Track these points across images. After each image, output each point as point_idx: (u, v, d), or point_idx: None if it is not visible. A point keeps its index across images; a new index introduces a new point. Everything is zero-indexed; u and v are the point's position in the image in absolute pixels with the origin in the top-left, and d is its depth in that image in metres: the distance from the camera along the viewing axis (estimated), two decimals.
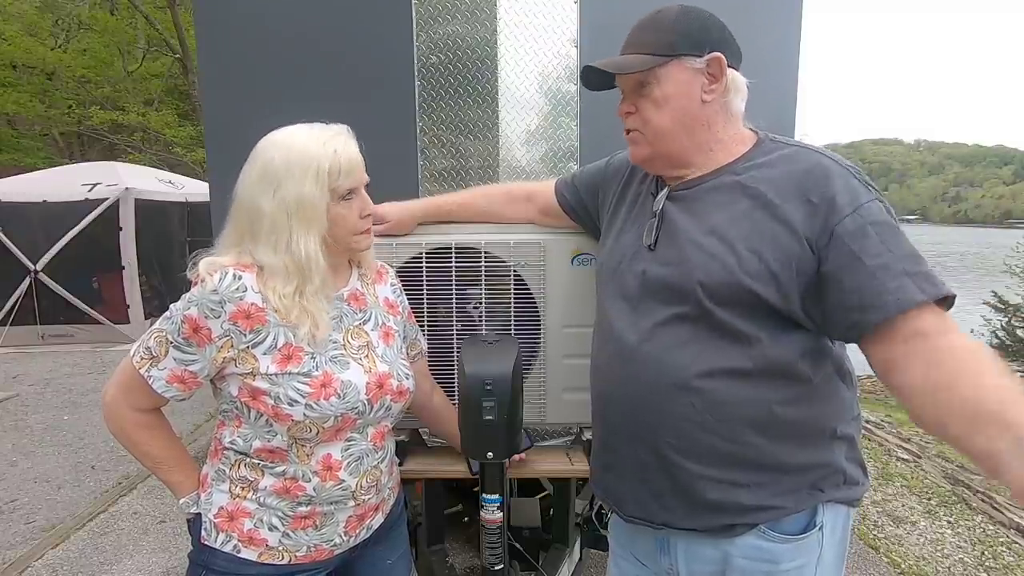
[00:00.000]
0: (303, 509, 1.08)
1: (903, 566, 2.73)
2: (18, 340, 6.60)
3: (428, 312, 1.48)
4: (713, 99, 1.01)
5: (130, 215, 6.76)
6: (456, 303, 1.49)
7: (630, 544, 1.18)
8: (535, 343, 1.49)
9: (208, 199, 2.13)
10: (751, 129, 1.07)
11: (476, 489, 1.39)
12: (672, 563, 1.08)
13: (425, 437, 1.70)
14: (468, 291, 1.49)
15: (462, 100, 1.79)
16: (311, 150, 1.02)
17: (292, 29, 1.90)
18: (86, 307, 6.75)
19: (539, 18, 1.77)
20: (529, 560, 1.79)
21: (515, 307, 1.48)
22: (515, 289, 1.48)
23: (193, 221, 7.66)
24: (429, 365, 1.42)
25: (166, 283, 7.23)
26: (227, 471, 1.10)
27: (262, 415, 1.03)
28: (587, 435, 1.48)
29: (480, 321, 1.50)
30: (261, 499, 1.08)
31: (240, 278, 1.01)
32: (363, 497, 1.13)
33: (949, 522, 3.12)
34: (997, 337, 9.93)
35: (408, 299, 1.33)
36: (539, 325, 1.49)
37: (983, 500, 3.30)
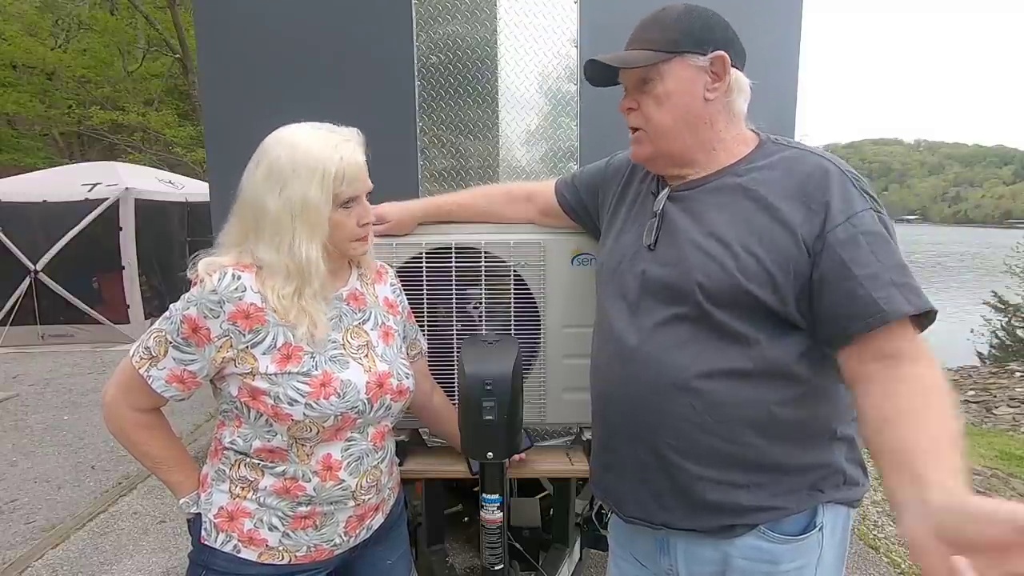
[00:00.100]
0: (303, 509, 1.08)
1: (903, 566, 2.73)
2: (18, 340, 6.60)
3: (428, 312, 1.48)
4: (716, 98, 1.01)
5: (130, 215, 6.75)
6: (456, 303, 1.49)
7: (630, 544, 1.18)
8: (535, 343, 1.49)
9: (208, 199, 2.13)
10: (753, 130, 1.07)
11: (476, 489, 1.39)
12: (672, 564, 1.08)
13: (425, 437, 1.70)
14: (468, 291, 1.49)
15: (462, 100, 1.79)
16: (318, 153, 1.02)
17: (292, 29, 1.90)
18: (86, 307, 6.75)
19: (539, 18, 1.77)
20: (529, 560, 1.79)
21: (515, 307, 1.48)
22: (515, 289, 1.48)
23: (193, 221, 7.66)
24: (429, 365, 1.42)
25: (166, 283, 7.23)
26: (227, 471, 1.10)
27: (262, 415, 1.03)
28: (587, 435, 1.48)
29: (480, 321, 1.50)
30: (261, 499, 1.08)
31: (239, 278, 1.01)
32: (363, 497, 1.13)
33: None
34: (997, 337, 9.93)
35: (408, 299, 1.33)
36: (539, 325, 1.49)
37: None
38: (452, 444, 1.41)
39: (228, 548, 1.08)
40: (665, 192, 1.08)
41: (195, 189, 7.90)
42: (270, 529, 1.08)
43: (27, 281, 6.59)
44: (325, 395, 1.03)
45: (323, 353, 1.06)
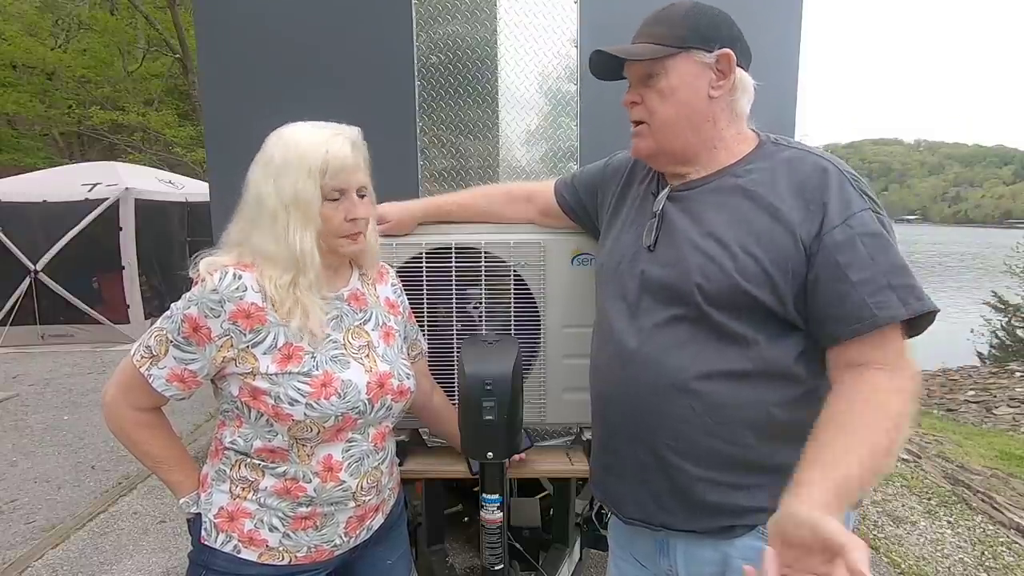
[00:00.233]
0: (303, 510, 1.08)
1: (903, 566, 2.73)
2: (18, 340, 6.60)
3: (428, 312, 1.48)
4: (720, 95, 1.01)
5: (130, 215, 6.75)
6: (456, 303, 1.49)
7: (629, 545, 1.18)
8: (535, 343, 1.49)
9: (208, 199, 2.13)
10: (753, 130, 1.07)
11: (476, 489, 1.39)
12: (671, 564, 1.08)
13: (425, 437, 1.70)
14: (468, 291, 1.49)
15: (462, 100, 1.79)
16: (306, 146, 1.03)
17: (292, 29, 1.90)
18: (86, 307, 6.75)
19: (539, 18, 1.77)
20: (529, 560, 1.79)
21: (515, 307, 1.48)
22: (515, 289, 1.48)
23: (193, 221, 7.66)
24: (429, 365, 1.42)
25: (166, 283, 7.23)
26: (228, 471, 1.10)
27: (263, 415, 1.03)
28: (587, 435, 1.48)
29: (480, 321, 1.50)
30: (261, 499, 1.07)
31: (240, 278, 1.01)
32: (363, 498, 1.13)
33: (949, 522, 3.12)
34: (997, 337, 9.94)
35: (408, 299, 1.33)
36: (539, 325, 1.49)
37: (983, 500, 3.30)
38: (452, 444, 1.41)
39: (228, 548, 1.08)
40: (665, 192, 1.08)
41: (195, 189, 7.90)
42: (270, 529, 1.08)
43: (27, 281, 6.59)
44: (326, 395, 1.03)
45: (324, 353, 1.06)
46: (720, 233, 0.98)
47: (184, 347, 1.02)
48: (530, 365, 1.49)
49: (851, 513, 1.06)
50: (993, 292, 10.40)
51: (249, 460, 1.08)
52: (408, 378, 1.17)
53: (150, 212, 7.03)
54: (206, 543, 1.09)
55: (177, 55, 13.02)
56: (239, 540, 1.08)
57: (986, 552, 2.84)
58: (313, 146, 1.03)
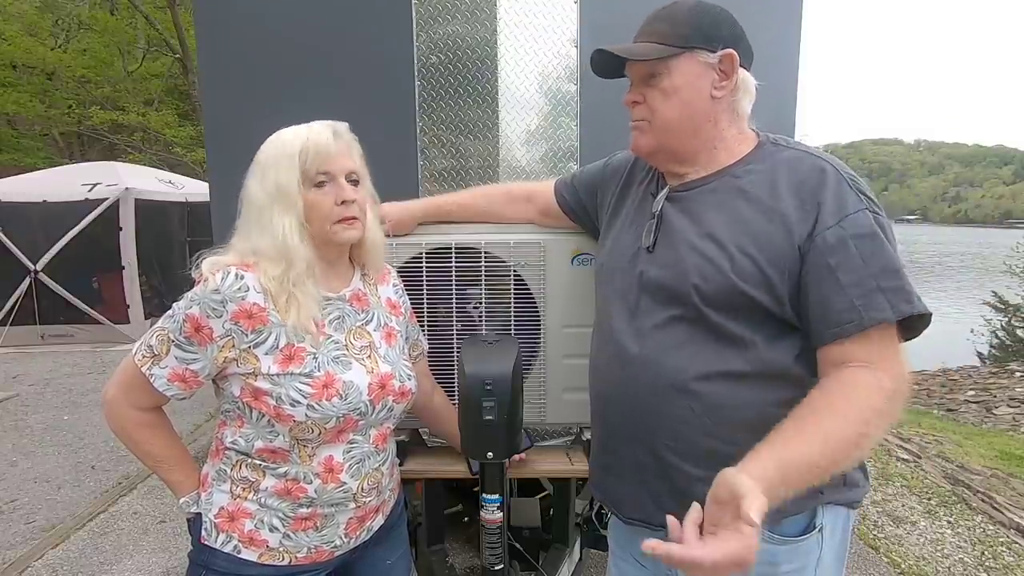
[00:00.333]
0: (304, 511, 1.08)
1: (903, 566, 2.73)
2: (18, 340, 6.60)
3: (428, 312, 1.48)
4: (722, 96, 1.01)
5: (130, 215, 6.75)
6: (456, 303, 1.49)
7: (629, 545, 1.18)
8: (535, 343, 1.49)
9: (208, 199, 2.12)
10: (753, 130, 1.07)
11: (476, 489, 1.39)
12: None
13: (425, 437, 1.70)
14: (468, 291, 1.49)
15: (462, 100, 1.79)
16: (286, 139, 1.06)
17: (292, 29, 1.90)
18: (86, 307, 6.75)
19: (539, 18, 1.77)
20: (529, 560, 1.79)
21: (515, 307, 1.48)
22: (515, 289, 1.48)
23: (193, 221, 7.66)
24: (429, 365, 1.42)
25: (166, 283, 7.23)
26: (228, 471, 1.10)
27: (264, 415, 1.03)
28: (587, 435, 1.48)
29: (480, 321, 1.50)
30: (262, 500, 1.07)
31: (242, 278, 1.01)
32: (364, 499, 1.13)
33: (949, 522, 3.12)
34: (997, 337, 9.93)
35: (408, 299, 1.33)
36: (539, 325, 1.49)
37: (983, 500, 3.30)
38: (452, 444, 1.41)
39: (228, 548, 1.08)
40: (664, 193, 1.08)
41: (195, 189, 7.90)
42: (271, 530, 1.08)
43: (27, 281, 6.59)
44: (327, 396, 1.03)
45: (326, 354, 1.06)
46: (718, 234, 0.98)
47: (186, 347, 1.02)
48: (530, 365, 1.49)
49: (850, 512, 1.06)
50: (993, 292, 10.40)
51: (250, 460, 1.08)
52: (409, 379, 1.17)
53: (150, 212, 7.03)
54: (206, 543, 1.09)
55: (177, 55, 13.02)
56: (239, 540, 1.07)
57: (986, 552, 2.84)
58: (294, 136, 1.06)
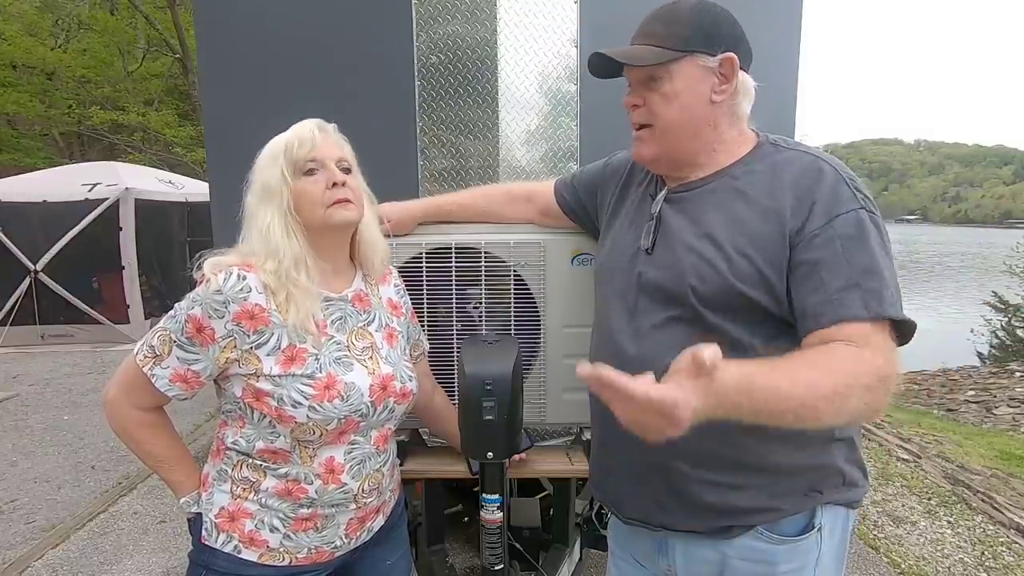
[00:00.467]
0: (304, 511, 1.08)
1: (903, 566, 2.73)
2: (18, 340, 6.60)
3: (428, 312, 1.48)
4: (722, 100, 1.01)
5: (130, 215, 6.75)
6: (456, 303, 1.49)
7: (629, 545, 1.18)
8: (535, 343, 1.49)
9: (208, 199, 2.12)
10: (752, 130, 1.07)
11: (476, 489, 1.39)
12: (670, 564, 1.08)
13: (425, 437, 1.70)
14: (468, 291, 1.49)
15: (462, 100, 1.79)
16: (273, 143, 1.08)
17: (292, 29, 1.90)
18: (86, 307, 6.75)
19: (539, 18, 1.77)
20: (529, 560, 1.79)
21: (515, 307, 1.48)
22: (515, 289, 1.48)
23: (193, 221, 7.66)
24: (429, 365, 1.42)
25: (166, 283, 7.23)
26: (229, 471, 1.10)
27: (265, 416, 1.03)
28: (587, 435, 1.48)
29: (480, 321, 1.50)
30: (263, 500, 1.07)
31: (244, 278, 1.01)
32: (364, 500, 1.13)
33: (949, 522, 3.12)
34: (997, 337, 9.93)
35: (409, 299, 1.33)
36: (539, 325, 1.49)
37: (983, 500, 3.30)
38: (452, 444, 1.41)
39: (229, 548, 1.08)
40: (662, 194, 1.08)
41: (195, 189, 7.90)
42: (271, 530, 1.08)
43: (27, 281, 6.59)
44: (329, 398, 1.03)
45: (327, 355, 1.06)
46: (716, 234, 0.98)
47: (187, 347, 1.02)
48: (530, 365, 1.49)
49: (850, 513, 1.06)
50: (993, 292, 10.40)
51: (251, 461, 1.08)
52: (411, 380, 1.17)
53: (150, 212, 7.03)
54: (206, 543, 1.09)
55: (177, 55, 13.01)
56: (240, 540, 1.07)
57: (986, 552, 2.84)
58: (279, 137, 1.08)
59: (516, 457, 1.43)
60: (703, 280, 0.96)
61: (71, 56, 13.49)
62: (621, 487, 1.10)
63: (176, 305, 1.04)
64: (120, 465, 3.70)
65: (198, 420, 4.45)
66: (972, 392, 6.77)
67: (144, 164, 11.05)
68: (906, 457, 3.99)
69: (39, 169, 9.48)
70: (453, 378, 1.41)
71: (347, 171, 1.10)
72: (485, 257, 1.46)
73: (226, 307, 1.00)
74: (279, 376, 1.02)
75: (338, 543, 1.13)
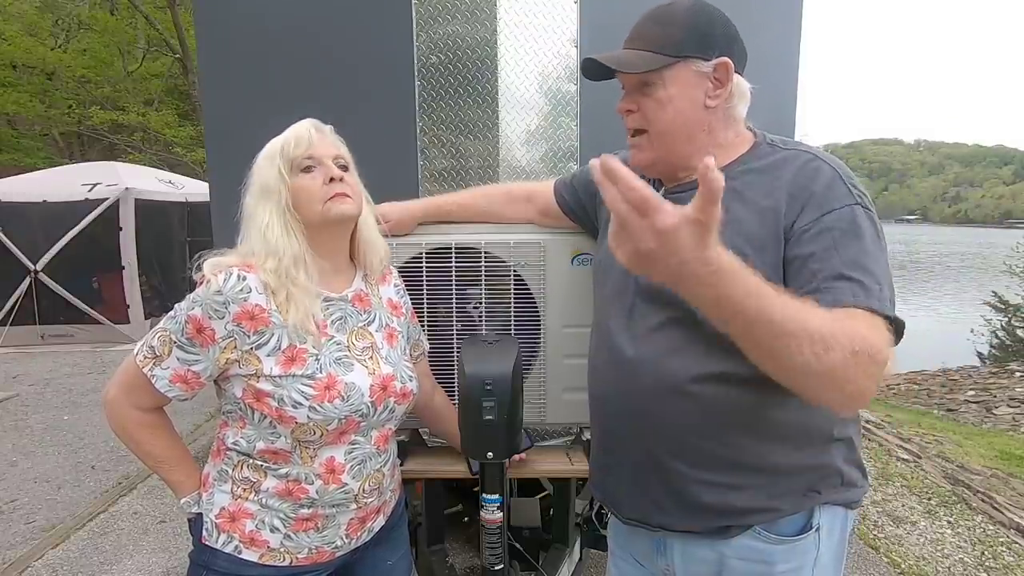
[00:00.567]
0: (305, 511, 1.08)
1: (903, 566, 2.74)
2: (18, 340, 6.60)
3: (428, 312, 1.48)
4: (717, 105, 1.00)
5: (130, 215, 6.75)
6: (456, 303, 1.49)
7: (628, 545, 1.18)
8: (535, 343, 1.49)
9: (208, 199, 2.13)
10: (750, 129, 1.07)
11: (476, 489, 1.39)
12: (669, 564, 1.08)
13: (425, 437, 1.70)
14: (468, 291, 1.49)
15: (462, 100, 1.79)
16: (270, 144, 1.09)
17: (292, 29, 1.90)
18: (86, 307, 6.74)
19: (539, 18, 1.77)
20: (529, 560, 1.79)
21: (515, 307, 1.48)
22: (515, 289, 1.48)
23: (193, 221, 7.66)
24: (429, 365, 1.42)
25: (166, 283, 7.23)
26: (229, 472, 1.10)
27: (266, 417, 1.03)
28: (587, 435, 1.48)
29: (480, 321, 1.50)
30: (263, 500, 1.08)
31: (245, 279, 1.01)
32: (365, 500, 1.13)
33: (949, 522, 3.12)
34: (997, 337, 9.94)
35: (409, 299, 1.33)
36: (539, 325, 1.49)
37: (983, 500, 3.30)
38: (452, 444, 1.41)
39: (229, 549, 1.08)
40: (659, 194, 1.07)
41: (195, 189, 7.89)
42: (271, 530, 1.08)
43: (27, 281, 6.58)
44: (329, 398, 1.03)
45: (328, 355, 1.06)
46: None
47: (188, 348, 1.02)
48: (530, 365, 1.49)
49: (849, 513, 1.05)
50: (993, 292, 10.40)
51: (251, 461, 1.08)
52: (411, 380, 1.17)
53: (150, 212, 7.03)
54: (207, 543, 1.09)
55: (177, 55, 13.01)
56: (240, 541, 1.08)
57: (986, 552, 2.84)
58: (275, 139, 1.09)
59: (516, 457, 1.43)
60: None
61: (71, 56, 13.48)
62: (620, 487, 1.10)
63: (176, 306, 1.04)
64: (120, 465, 3.70)
65: (198, 420, 4.45)
66: (972, 392, 6.77)
67: (144, 164, 11.05)
68: (906, 457, 3.99)
69: (39, 169, 9.47)
70: (453, 378, 1.41)
71: (344, 168, 1.11)
72: (485, 257, 1.46)
73: (226, 308, 1.00)
74: (279, 377, 1.02)
75: (339, 543, 1.13)
